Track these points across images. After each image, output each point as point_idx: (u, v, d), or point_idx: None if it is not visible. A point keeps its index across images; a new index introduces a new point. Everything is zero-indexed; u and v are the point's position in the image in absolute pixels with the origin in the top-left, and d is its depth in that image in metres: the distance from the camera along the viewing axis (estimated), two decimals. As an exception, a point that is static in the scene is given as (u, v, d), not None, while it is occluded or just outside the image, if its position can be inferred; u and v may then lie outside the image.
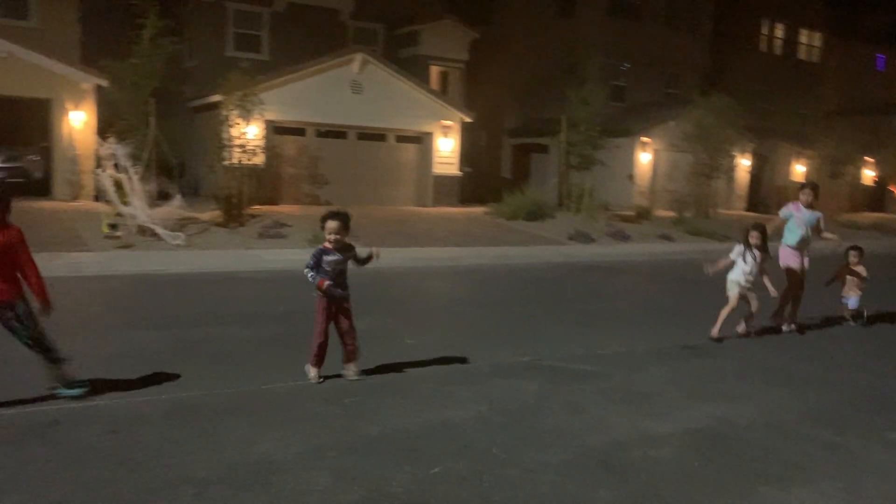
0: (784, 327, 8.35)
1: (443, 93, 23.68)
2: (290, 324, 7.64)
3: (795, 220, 8.35)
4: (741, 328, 7.91)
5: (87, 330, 7.10)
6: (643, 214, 21.12)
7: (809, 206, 8.34)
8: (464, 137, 22.34)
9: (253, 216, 15.30)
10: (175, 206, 14.06)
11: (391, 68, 20.51)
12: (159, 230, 12.96)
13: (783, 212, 8.58)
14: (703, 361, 6.93)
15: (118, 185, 13.61)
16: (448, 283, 11.67)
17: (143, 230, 12.98)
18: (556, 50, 26.34)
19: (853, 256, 8.94)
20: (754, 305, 7.74)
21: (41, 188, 16.28)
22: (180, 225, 13.67)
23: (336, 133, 20.01)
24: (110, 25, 16.50)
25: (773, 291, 7.64)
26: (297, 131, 19.42)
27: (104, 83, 15.78)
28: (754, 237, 7.59)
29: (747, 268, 7.59)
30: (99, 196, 14.05)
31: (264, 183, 17.58)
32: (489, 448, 4.51)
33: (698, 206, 22.14)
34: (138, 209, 13.26)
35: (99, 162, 14.31)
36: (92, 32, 18.91)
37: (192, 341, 6.78)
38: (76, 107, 16.13)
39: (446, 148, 21.58)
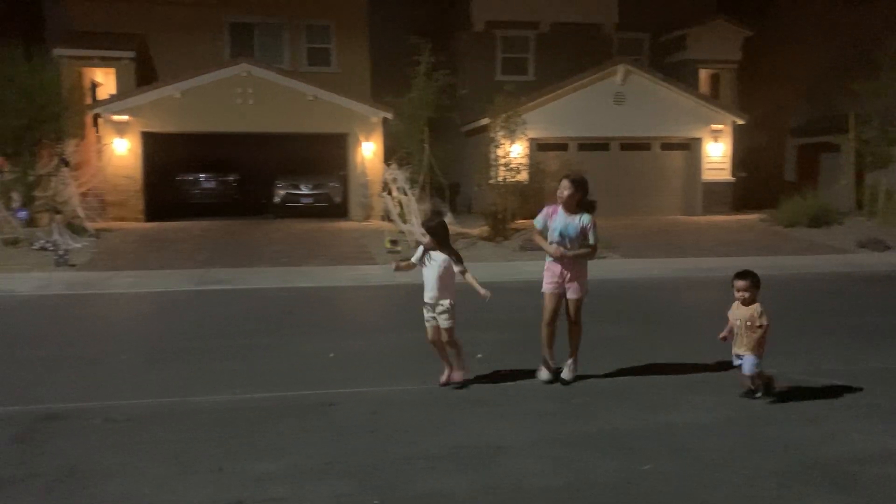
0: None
1: (713, 96, 22.77)
2: (530, 329, 8.14)
3: (550, 231, 5.99)
4: (444, 376, 5.94)
5: (364, 331, 8.31)
6: (968, 219, 18.17)
7: (569, 207, 5.89)
8: (737, 141, 21.26)
9: (517, 230, 16.18)
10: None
11: (655, 76, 20.31)
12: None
13: (538, 219, 6.12)
14: None
15: (400, 206, 15.39)
16: (706, 293, 11.35)
17: (419, 245, 14.47)
18: (849, 38, 23.82)
19: (739, 290, 5.59)
20: (444, 335, 5.83)
21: (340, 210, 18.90)
22: (451, 240, 14.96)
23: (598, 145, 20.29)
24: (394, 64, 18.63)
25: (482, 292, 5.76)
26: (560, 147, 20.07)
27: (389, 116, 17.87)
28: (426, 235, 5.80)
29: (429, 279, 5.79)
30: (385, 216, 15.95)
31: (528, 198, 18.46)
32: (706, 452, 4.56)
33: None
34: (415, 227, 14.83)
35: (384, 186, 16.27)
36: (380, 72, 21.49)
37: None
38: (367, 138, 18.48)
39: (716, 153, 20.71)
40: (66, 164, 15.92)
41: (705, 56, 23.19)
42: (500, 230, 15.80)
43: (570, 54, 21.71)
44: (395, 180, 15.64)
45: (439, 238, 5.82)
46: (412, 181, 15.63)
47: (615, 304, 10.03)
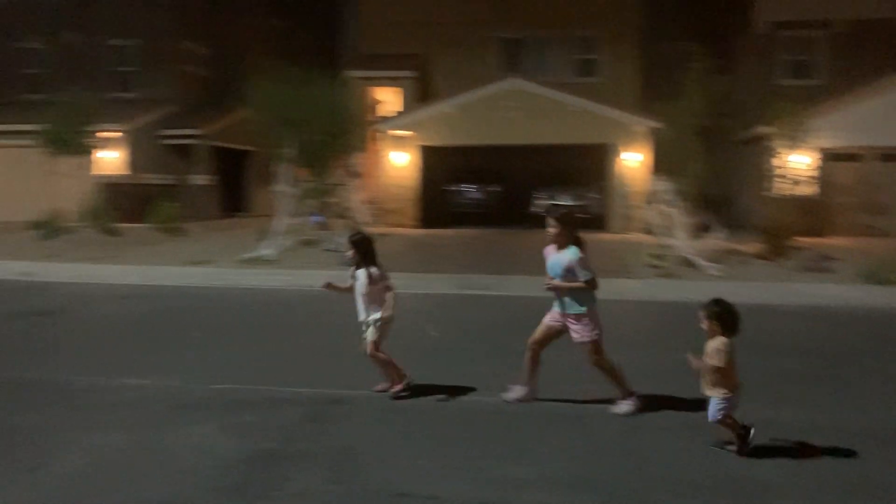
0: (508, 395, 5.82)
1: None
2: (809, 359, 7.32)
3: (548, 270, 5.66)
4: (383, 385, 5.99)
5: (621, 345, 8.06)
6: None
7: (560, 245, 5.61)
8: None
9: (797, 248, 14.73)
10: (716, 239, 14.57)
11: (982, 74, 17.33)
12: (698, 261, 13.59)
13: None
14: None
15: (665, 220, 14.79)
16: None
17: (684, 261, 13.78)
18: None
19: (703, 321, 4.90)
20: (368, 347, 5.81)
21: (598, 222, 18.71)
22: (721, 257, 14.06)
23: (903, 156, 17.80)
24: (663, 71, 18.00)
25: (381, 315, 5.78)
26: (854, 157, 17.92)
27: (656, 125, 17.29)
28: (350, 249, 5.83)
29: (357, 297, 5.85)
30: (647, 229, 15.43)
31: (814, 213, 16.76)
32: None
33: None
34: (681, 241, 14.16)
35: (649, 197, 15.76)
36: (647, 80, 20.91)
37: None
38: (630, 148, 18.09)
39: None
40: (354, 174, 17.68)
41: None
42: (777, 248, 14.48)
43: (869, 54, 19.36)
44: (661, 192, 15.07)
45: (362, 253, 5.83)
46: (680, 193, 14.92)
47: (872, 331, 8.70)
